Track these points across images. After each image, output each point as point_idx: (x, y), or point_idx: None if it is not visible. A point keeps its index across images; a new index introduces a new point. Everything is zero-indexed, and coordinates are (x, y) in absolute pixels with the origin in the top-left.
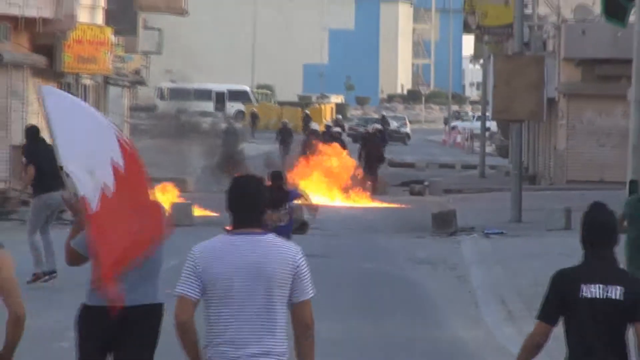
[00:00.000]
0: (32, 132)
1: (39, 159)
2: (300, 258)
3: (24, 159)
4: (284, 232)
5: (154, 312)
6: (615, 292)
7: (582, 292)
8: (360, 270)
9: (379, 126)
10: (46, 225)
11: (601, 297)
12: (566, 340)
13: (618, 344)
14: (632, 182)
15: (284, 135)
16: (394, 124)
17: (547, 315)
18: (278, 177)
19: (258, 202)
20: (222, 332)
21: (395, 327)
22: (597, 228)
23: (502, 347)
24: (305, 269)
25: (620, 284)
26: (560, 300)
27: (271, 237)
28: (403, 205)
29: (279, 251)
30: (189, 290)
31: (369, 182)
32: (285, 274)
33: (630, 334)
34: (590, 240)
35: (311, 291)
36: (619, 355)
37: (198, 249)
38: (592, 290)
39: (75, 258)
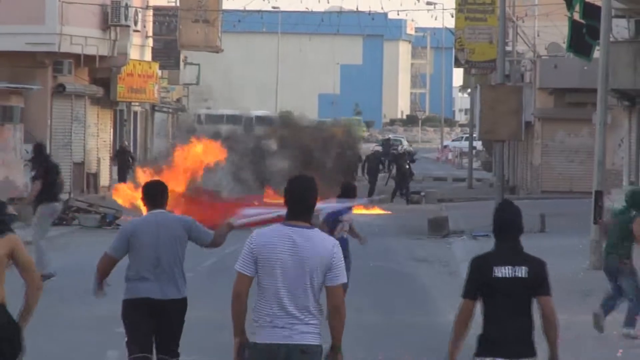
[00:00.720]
0: (40, 148)
1: (47, 170)
2: (336, 251)
3: (32, 173)
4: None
5: (180, 304)
6: (521, 272)
7: (495, 273)
8: (369, 267)
9: (409, 148)
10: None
11: (510, 276)
12: (483, 313)
13: (525, 314)
14: (597, 192)
15: None
16: (405, 143)
17: (470, 293)
18: (348, 189)
19: (308, 199)
20: (269, 306)
21: (399, 314)
22: (504, 222)
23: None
24: (339, 259)
25: (525, 264)
26: (478, 280)
27: (315, 232)
28: (404, 212)
29: (319, 244)
30: (245, 268)
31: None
32: (321, 264)
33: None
34: (499, 231)
35: (342, 278)
36: (525, 325)
37: (256, 234)
38: (503, 271)
39: (106, 260)
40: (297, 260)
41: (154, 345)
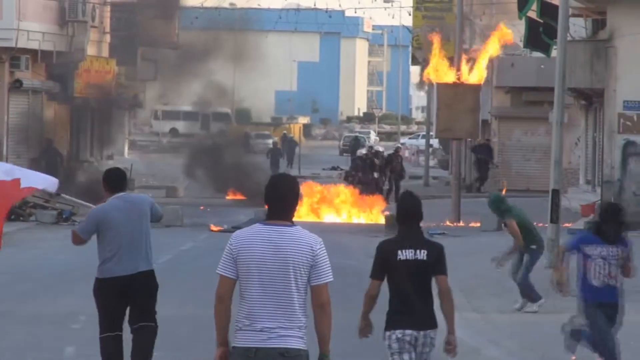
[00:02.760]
0: None
1: None
2: (319, 248)
3: None
4: (611, 295)
5: (147, 276)
6: (422, 254)
7: (399, 255)
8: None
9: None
10: None
11: (412, 258)
12: (389, 292)
13: (426, 292)
14: (554, 191)
15: (274, 152)
16: (372, 139)
17: (377, 274)
18: (615, 211)
19: (288, 197)
20: (247, 308)
21: (354, 312)
22: (407, 210)
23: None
24: (323, 257)
25: (425, 248)
26: (384, 262)
27: (296, 229)
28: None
29: (299, 241)
30: (226, 271)
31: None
32: (303, 261)
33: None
34: (403, 219)
35: (327, 276)
36: (427, 300)
37: (235, 235)
38: (405, 254)
39: (77, 239)
40: (279, 259)
41: (124, 321)
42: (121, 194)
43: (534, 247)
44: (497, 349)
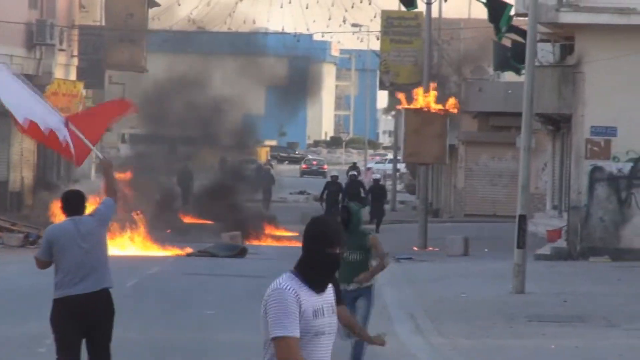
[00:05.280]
0: None
1: None
2: (267, 295)
3: None
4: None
5: (102, 295)
6: None
7: None
8: None
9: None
10: None
11: None
12: None
13: None
14: (521, 216)
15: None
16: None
17: None
18: None
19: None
20: None
21: None
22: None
23: (412, 355)
24: (269, 308)
25: None
26: None
27: None
28: None
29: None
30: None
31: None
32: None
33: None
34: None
35: (271, 331)
36: None
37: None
38: None
39: (39, 263)
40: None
41: (81, 350)
42: (76, 217)
43: (369, 284)
44: None
